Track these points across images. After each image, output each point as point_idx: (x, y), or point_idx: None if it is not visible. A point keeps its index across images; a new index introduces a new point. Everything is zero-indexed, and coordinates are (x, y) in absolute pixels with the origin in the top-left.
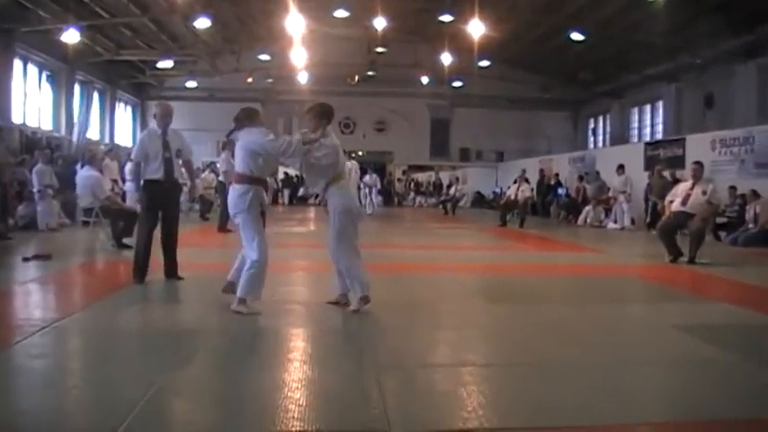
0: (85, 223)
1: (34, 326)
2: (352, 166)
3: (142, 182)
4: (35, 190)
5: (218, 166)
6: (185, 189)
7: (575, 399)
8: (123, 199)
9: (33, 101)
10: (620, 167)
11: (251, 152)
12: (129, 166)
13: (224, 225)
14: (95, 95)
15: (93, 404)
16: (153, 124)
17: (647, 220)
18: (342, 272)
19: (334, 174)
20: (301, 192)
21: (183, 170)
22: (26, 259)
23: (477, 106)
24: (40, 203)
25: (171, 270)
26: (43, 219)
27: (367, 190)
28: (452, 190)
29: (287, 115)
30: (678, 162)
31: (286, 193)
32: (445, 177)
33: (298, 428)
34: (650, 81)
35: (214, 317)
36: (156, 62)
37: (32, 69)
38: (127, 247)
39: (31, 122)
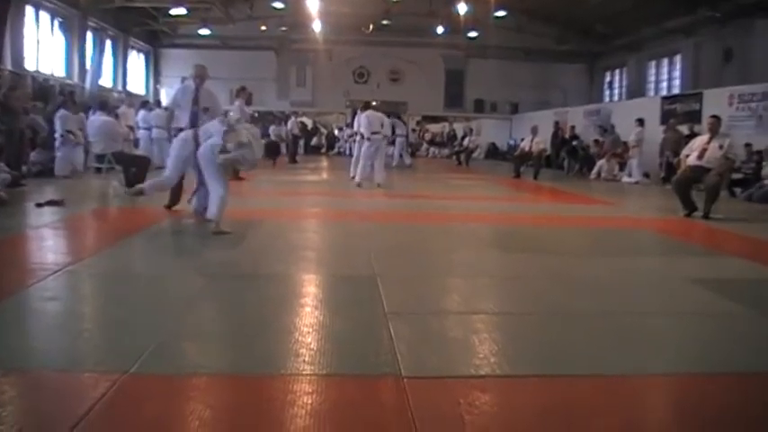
0: (98, 170)
1: (47, 270)
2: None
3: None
4: (57, 135)
5: (230, 114)
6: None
7: (587, 348)
8: (136, 146)
9: (46, 48)
10: (638, 121)
11: None
12: (141, 114)
13: (237, 173)
14: (108, 43)
15: (105, 346)
16: (189, 80)
17: (662, 174)
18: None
19: None
20: (314, 141)
21: None
22: (39, 205)
23: (493, 57)
24: (61, 149)
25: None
26: (62, 165)
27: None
28: (466, 141)
29: (300, 64)
30: (695, 117)
31: (301, 143)
32: (459, 129)
33: (308, 371)
34: (668, 35)
35: (224, 261)
36: (168, 9)
37: (44, 16)
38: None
39: (44, 69)
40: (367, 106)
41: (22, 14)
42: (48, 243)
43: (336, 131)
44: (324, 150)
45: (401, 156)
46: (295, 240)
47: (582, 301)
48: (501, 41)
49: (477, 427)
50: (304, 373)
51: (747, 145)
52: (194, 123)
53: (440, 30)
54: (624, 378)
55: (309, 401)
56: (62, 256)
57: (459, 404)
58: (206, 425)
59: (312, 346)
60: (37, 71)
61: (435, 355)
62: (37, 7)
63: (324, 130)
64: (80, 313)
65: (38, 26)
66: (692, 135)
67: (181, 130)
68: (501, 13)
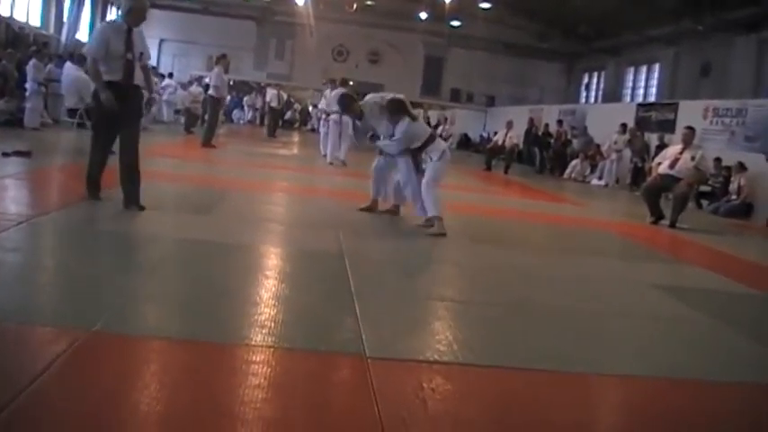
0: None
1: (10, 220)
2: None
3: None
4: (28, 85)
5: (206, 80)
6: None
7: (548, 343)
8: None
9: None
10: (622, 126)
11: None
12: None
13: (209, 140)
14: None
15: (66, 302)
16: (117, 18)
17: (629, 180)
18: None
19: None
20: (287, 116)
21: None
22: (5, 155)
23: (474, 48)
24: (31, 100)
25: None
26: (31, 116)
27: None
28: (439, 129)
29: (280, 37)
30: (669, 126)
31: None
32: (433, 116)
33: (271, 343)
34: (649, 42)
35: (193, 229)
36: None
37: None
38: (110, 151)
39: (19, 17)
40: (342, 83)
41: None
42: (12, 193)
43: (311, 108)
44: (297, 125)
45: None
46: (263, 213)
47: (544, 297)
48: (483, 33)
49: (439, 412)
50: (267, 344)
51: (717, 159)
52: (130, 75)
53: (423, 15)
54: (580, 376)
55: (271, 373)
56: (26, 208)
57: (422, 388)
58: (165, 388)
59: (277, 318)
60: (11, 17)
61: (400, 339)
62: None
63: (298, 106)
64: (42, 267)
65: None
66: (663, 145)
67: (111, 83)
68: (485, 5)
